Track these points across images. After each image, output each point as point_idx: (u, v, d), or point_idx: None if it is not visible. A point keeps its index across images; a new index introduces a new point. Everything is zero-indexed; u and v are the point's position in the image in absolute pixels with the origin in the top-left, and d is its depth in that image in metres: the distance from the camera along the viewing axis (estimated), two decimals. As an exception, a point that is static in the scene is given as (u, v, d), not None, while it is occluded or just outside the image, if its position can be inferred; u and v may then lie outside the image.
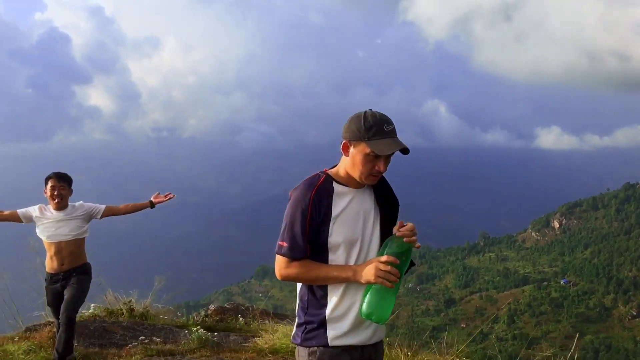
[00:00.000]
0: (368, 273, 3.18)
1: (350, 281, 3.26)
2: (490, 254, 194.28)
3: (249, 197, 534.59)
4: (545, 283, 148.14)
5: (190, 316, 13.63)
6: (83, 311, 10.95)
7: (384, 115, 3.82)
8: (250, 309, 13.79)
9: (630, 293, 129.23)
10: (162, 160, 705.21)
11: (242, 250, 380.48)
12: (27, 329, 10.33)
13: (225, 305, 14.20)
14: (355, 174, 3.75)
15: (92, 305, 11.95)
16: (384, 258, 3.36)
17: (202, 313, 13.58)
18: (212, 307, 13.82)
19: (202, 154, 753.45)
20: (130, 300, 11.88)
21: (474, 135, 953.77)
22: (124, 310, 11.50)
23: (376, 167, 3.69)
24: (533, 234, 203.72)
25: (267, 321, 11.56)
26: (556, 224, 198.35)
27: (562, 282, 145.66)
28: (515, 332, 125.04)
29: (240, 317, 12.72)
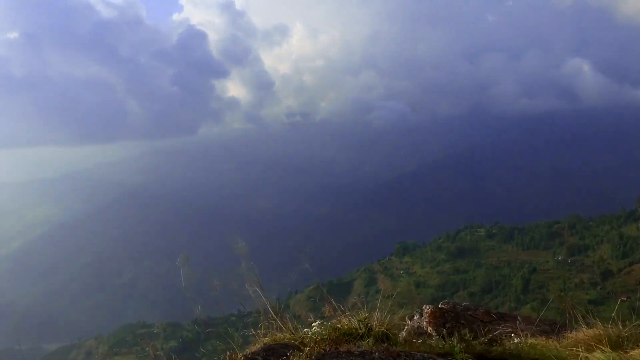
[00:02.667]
0: None
1: None
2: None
3: (384, 175, 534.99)
4: None
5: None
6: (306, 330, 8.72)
7: None
8: (472, 309, 10.15)
9: None
10: (298, 144, 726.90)
11: (380, 228, 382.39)
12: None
13: (441, 305, 10.18)
14: None
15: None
16: None
17: (418, 318, 9.90)
18: (427, 309, 9.93)
19: (335, 135, 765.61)
20: (367, 317, 8.73)
21: (622, 93, 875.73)
22: (362, 329, 8.46)
23: None
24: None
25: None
26: None
27: None
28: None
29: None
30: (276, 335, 8.59)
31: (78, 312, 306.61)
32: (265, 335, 8.96)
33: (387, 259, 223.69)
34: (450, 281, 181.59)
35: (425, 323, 9.51)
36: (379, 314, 9.12)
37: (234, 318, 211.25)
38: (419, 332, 9.23)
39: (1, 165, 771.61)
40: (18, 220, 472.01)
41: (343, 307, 9.77)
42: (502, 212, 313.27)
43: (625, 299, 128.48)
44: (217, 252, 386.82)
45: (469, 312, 9.77)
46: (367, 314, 8.96)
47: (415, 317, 9.99)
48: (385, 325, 8.62)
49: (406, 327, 9.72)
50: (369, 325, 8.58)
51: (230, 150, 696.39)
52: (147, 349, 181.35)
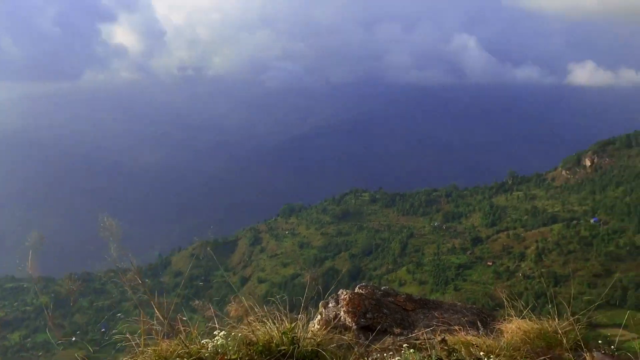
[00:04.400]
0: None
1: None
2: (519, 193, 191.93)
3: (275, 136, 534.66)
4: (574, 222, 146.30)
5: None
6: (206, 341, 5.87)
7: None
8: (392, 295, 9.01)
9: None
10: (189, 98, 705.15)
11: (267, 188, 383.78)
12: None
13: (358, 290, 8.89)
14: None
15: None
16: None
17: (333, 306, 8.32)
18: (344, 295, 8.51)
19: (228, 92, 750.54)
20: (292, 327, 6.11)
21: (504, 72, 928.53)
22: (285, 345, 5.91)
23: None
24: (563, 172, 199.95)
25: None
26: (587, 162, 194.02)
27: (592, 220, 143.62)
28: (542, 270, 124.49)
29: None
30: (162, 346, 5.98)
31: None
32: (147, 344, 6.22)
33: (274, 219, 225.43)
34: (333, 242, 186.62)
35: (342, 312, 8.21)
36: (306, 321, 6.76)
37: (112, 273, 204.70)
38: (336, 325, 7.72)
39: None
40: None
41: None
42: (386, 178, 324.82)
43: (490, 264, 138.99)
44: (95, 206, 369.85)
45: (389, 299, 8.96)
46: (292, 324, 6.18)
47: (330, 305, 8.53)
48: (318, 339, 6.08)
49: (320, 318, 8.19)
50: (295, 338, 6.00)
51: (116, 100, 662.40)
52: (15, 303, 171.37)
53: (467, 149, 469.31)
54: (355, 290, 8.87)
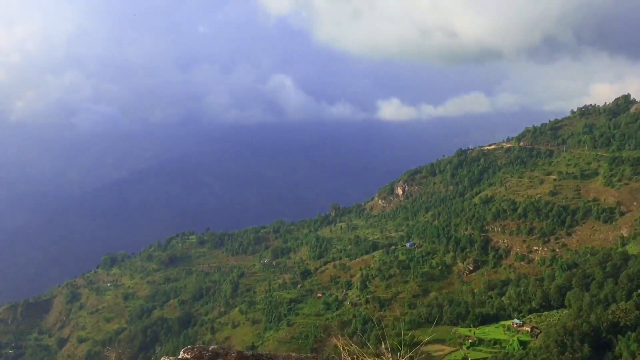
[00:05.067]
0: None
1: None
2: (342, 224, 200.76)
3: (91, 182, 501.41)
4: (393, 247, 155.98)
5: None
6: None
7: None
8: (222, 355, 8.34)
9: (467, 250, 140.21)
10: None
11: (85, 239, 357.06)
12: None
13: (184, 355, 8.30)
14: None
15: None
16: None
17: None
18: None
19: (35, 139, 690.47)
20: None
21: (320, 109, 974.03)
22: None
23: None
24: (380, 201, 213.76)
25: None
26: (400, 191, 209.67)
27: (407, 245, 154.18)
28: (368, 296, 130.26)
29: None
30: None
31: None
32: None
33: (93, 272, 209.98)
34: (161, 290, 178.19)
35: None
36: None
37: None
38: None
39: None
40: None
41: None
42: (213, 219, 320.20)
43: (320, 295, 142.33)
44: None
45: (219, 359, 8.01)
46: None
47: None
48: None
49: None
50: None
51: None
52: None
53: (290, 185, 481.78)
54: (180, 357, 7.96)
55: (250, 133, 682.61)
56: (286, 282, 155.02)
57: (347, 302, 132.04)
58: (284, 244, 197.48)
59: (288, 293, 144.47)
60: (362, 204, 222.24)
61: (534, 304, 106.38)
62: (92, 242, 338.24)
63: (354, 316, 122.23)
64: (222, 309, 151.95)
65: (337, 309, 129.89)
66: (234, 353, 8.22)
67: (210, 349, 8.20)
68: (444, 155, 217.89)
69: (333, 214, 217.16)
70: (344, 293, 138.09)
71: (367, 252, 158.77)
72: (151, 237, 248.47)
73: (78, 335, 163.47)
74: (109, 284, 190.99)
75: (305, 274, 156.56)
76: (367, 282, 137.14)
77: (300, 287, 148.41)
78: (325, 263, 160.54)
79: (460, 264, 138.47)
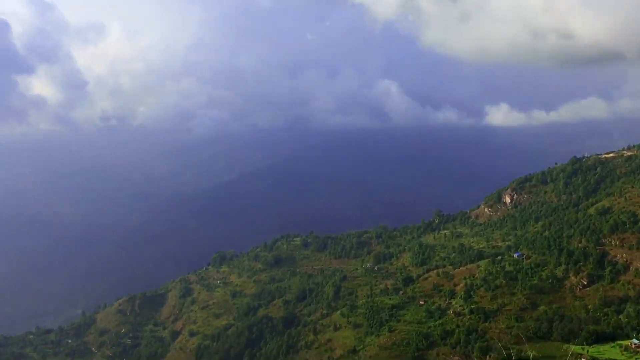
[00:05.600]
0: None
1: None
2: (445, 231, 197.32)
3: (203, 183, 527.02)
4: (499, 257, 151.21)
5: None
6: None
7: None
8: None
9: (581, 263, 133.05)
10: (113, 149, 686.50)
11: (197, 237, 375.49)
12: None
13: None
14: None
15: None
16: None
17: None
18: None
19: (154, 141, 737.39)
20: None
21: (426, 115, 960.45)
22: None
23: None
24: (486, 209, 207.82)
25: None
26: (508, 199, 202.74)
27: (515, 255, 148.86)
28: (472, 306, 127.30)
29: None
30: None
31: None
32: None
33: (204, 269, 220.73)
34: (266, 290, 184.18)
35: None
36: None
37: (32, 336, 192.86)
38: None
39: None
40: None
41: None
42: (317, 222, 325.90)
43: (422, 303, 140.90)
44: (14, 264, 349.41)
45: None
46: None
47: None
48: None
49: None
50: None
51: (35, 153, 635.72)
52: None
53: (393, 191, 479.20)
54: None
55: (355, 138, 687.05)
56: (388, 288, 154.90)
57: (450, 312, 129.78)
58: (386, 249, 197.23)
59: (390, 299, 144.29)
60: (467, 211, 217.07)
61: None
62: (203, 241, 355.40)
63: (457, 326, 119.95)
64: (324, 311, 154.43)
65: (439, 318, 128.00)
66: None
67: None
68: (556, 163, 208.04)
69: (437, 221, 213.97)
70: (447, 302, 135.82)
71: (471, 261, 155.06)
72: (258, 237, 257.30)
73: (190, 328, 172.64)
74: (218, 281, 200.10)
75: (408, 280, 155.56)
76: (472, 292, 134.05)
77: (402, 293, 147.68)
78: (428, 270, 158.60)
79: (572, 277, 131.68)
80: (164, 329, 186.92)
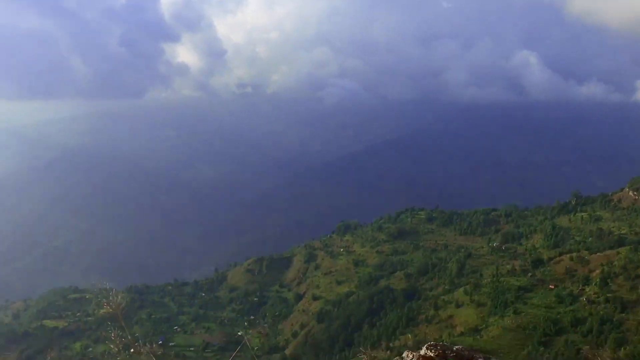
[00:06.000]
0: None
1: None
2: (582, 214, 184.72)
3: (331, 152, 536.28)
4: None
5: None
6: None
7: None
8: (466, 358, 7.84)
9: None
10: (247, 115, 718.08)
11: (323, 205, 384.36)
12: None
13: (426, 351, 8.05)
14: None
15: None
16: None
17: None
18: (410, 357, 7.58)
19: (286, 109, 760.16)
20: None
21: (567, 89, 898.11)
22: None
23: None
24: (630, 193, 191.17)
25: None
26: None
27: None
28: (608, 295, 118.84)
29: None
30: None
31: (7, 273, 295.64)
32: None
33: (329, 236, 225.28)
34: (388, 261, 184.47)
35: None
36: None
37: (170, 287, 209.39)
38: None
39: None
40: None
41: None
42: (443, 197, 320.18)
43: (553, 287, 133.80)
44: (156, 220, 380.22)
45: None
46: None
47: None
48: None
49: None
50: None
51: (177, 117, 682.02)
52: (77, 314, 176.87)
53: (527, 169, 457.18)
54: (423, 353, 7.78)
55: (488, 112, 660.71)
56: (515, 269, 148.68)
57: (583, 299, 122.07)
58: (516, 229, 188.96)
59: (517, 280, 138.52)
60: (609, 194, 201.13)
61: None
62: (329, 208, 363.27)
63: (590, 314, 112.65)
64: (446, 287, 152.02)
65: (570, 304, 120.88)
66: (480, 358, 7.88)
67: (454, 349, 7.91)
68: None
69: (573, 203, 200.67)
70: (580, 288, 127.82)
71: (610, 247, 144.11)
72: (382, 209, 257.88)
73: (312, 292, 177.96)
74: (342, 249, 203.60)
75: (537, 262, 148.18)
76: (609, 280, 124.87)
77: (531, 275, 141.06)
78: (561, 254, 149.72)
79: None
80: (289, 290, 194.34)
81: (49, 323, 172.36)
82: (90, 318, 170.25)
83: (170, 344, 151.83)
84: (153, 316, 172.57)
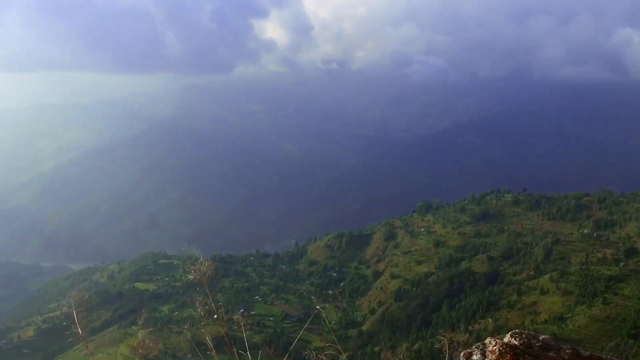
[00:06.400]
0: None
1: None
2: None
3: (415, 131, 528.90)
4: None
5: None
6: None
7: None
8: (554, 349, 7.32)
9: None
10: (332, 92, 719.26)
11: (405, 184, 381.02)
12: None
13: (510, 339, 7.41)
14: None
15: None
16: None
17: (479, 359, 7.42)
18: (492, 346, 7.25)
19: (371, 86, 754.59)
20: None
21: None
22: None
23: None
24: None
25: None
26: None
27: None
28: None
29: None
30: None
31: (103, 236, 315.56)
32: None
33: (409, 215, 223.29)
34: (470, 243, 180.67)
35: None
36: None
37: (252, 258, 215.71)
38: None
39: (41, 86, 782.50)
40: (52, 141, 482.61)
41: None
42: (531, 179, 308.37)
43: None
44: (241, 193, 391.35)
45: (551, 354, 7.05)
46: None
47: (474, 357, 7.10)
48: None
49: None
50: None
51: (265, 92, 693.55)
52: (166, 278, 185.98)
53: (623, 152, 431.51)
54: (507, 341, 7.46)
55: (584, 91, 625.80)
56: (607, 258, 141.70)
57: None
58: (609, 215, 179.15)
59: (608, 269, 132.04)
60: None
61: None
62: (410, 187, 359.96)
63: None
64: (531, 273, 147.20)
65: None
66: (568, 349, 7.46)
67: (540, 338, 7.51)
68: None
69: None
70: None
71: None
72: (466, 190, 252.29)
73: (391, 271, 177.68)
74: (422, 229, 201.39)
75: (631, 252, 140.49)
76: None
77: (624, 265, 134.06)
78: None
79: None
80: (367, 267, 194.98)
81: (140, 285, 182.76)
82: (177, 283, 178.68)
83: (252, 313, 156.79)
84: (236, 285, 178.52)
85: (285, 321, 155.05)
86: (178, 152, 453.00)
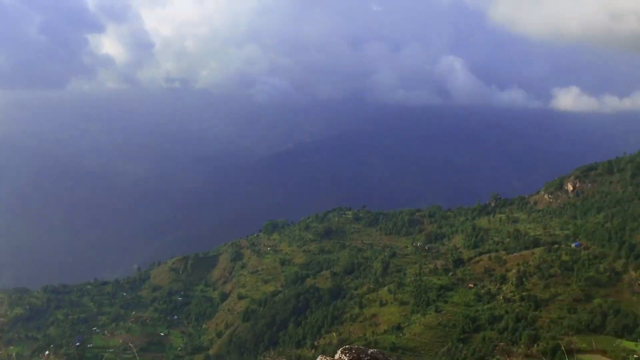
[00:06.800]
0: None
1: None
2: (501, 215, 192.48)
3: (260, 151, 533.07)
4: (555, 246, 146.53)
5: None
6: None
7: None
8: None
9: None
10: (176, 111, 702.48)
11: (251, 204, 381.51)
12: None
13: (341, 355, 8.36)
14: None
15: None
16: None
17: None
18: None
19: (214, 105, 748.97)
20: None
21: (490, 94, 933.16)
22: None
23: None
24: (546, 196, 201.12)
25: None
26: (570, 187, 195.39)
27: (573, 245, 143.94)
28: (523, 293, 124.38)
29: None
30: None
31: None
32: None
33: (256, 235, 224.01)
34: (315, 260, 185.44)
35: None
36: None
37: (89, 286, 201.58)
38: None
39: None
40: None
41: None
42: (370, 197, 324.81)
43: (472, 286, 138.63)
44: (75, 217, 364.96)
45: None
46: None
47: None
48: None
49: None
50: None
51: (101, 110, 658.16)
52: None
53: (450, 170, 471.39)
54: (337, 357, 7.65)
55: (414, 114, 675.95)
56: (437, 268, 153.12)
57: (500, 297, 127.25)
58: (439, 229, 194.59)
59: (438, 279, 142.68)
60: (526, 197, 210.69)
61: None
62: (256, 207, 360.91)
63: (507, 312, 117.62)
64: (371, 286, 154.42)
65: (488, 302, 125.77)
66: None
67: (369, 352, 7.77)
68: (624, 153, 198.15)
69: (493, 204, 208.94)
70: (497, 287, 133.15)
71: (526, 248, 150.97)
72: (310, 208, 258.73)
73: (238, 292, 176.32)
74: (269, 248, 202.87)
75: (458, 262, 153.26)
76: (524, 279, 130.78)
77: (452, 274, 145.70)
78: (480, 254, 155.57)
79: (632, 272, 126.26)
80: (214, 290, 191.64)
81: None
82: (2, 319, 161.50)
83: (89, 346, 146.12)
84: (71, 317, 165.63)
85: (127, 352, 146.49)
86: (2, 174, 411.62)
